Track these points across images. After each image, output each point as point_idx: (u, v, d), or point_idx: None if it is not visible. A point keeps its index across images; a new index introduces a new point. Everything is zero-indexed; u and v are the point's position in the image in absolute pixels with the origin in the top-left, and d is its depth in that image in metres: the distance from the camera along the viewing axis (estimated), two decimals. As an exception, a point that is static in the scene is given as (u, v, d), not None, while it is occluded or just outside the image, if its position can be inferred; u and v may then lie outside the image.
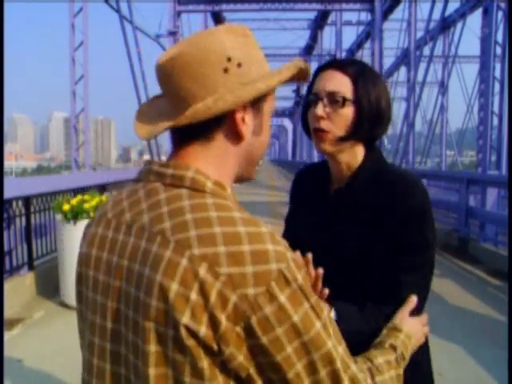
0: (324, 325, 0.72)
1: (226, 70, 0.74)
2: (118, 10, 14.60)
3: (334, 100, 1.13)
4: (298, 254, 0.99)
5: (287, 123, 70.52)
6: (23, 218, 5.22)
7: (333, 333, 0.74)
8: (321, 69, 1.19)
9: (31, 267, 5.23)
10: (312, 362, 0.71)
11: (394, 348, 0.93)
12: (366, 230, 1.11)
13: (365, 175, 1.17)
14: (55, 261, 5.32)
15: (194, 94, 0.75)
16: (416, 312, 1.05)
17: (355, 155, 1.19)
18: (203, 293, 0.67)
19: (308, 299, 0.71)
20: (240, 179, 0.86)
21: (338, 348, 0.74)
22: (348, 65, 1.15)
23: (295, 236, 1.16)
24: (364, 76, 1.13)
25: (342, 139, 1.14)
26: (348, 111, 1.13)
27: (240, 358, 0.69)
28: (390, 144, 27.90)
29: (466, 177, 8.19)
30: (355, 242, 1.11)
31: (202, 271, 0.68)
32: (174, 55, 0.75)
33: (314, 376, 0.72)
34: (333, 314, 1.02)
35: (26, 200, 5.24)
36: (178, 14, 18.68)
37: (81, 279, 0.85)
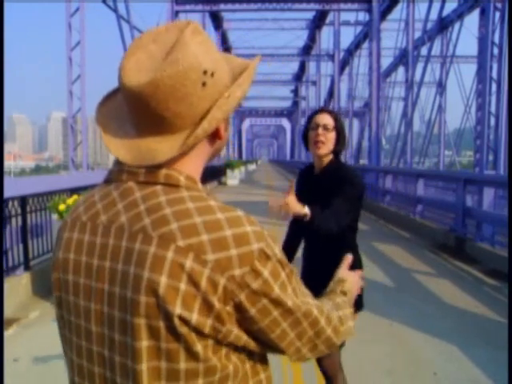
0: (293, 288, 0.81)
1: (204, 84, 0.76)
2: (115, 10, 14.60)
3: (326, 128, 2.24)
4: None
5: (285, 123, 70.52)
6: (19, 218, 5.20)
7: (301, 288, 0.84)
8: (318, 112, 2.34)
9: (27, 267, 5.22)
10: (296, 319, 0.81)
11: (344, 293, 1.06)
12: (330, 192, 2.15)
13: (331, 168, 2.28)
14: (51, 261, 5.31)
15: (179, 113, 0.76)
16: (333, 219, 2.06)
17: (329, 158, 2.30)
18: (193, 281, 0.71)
19: (283, 269, 0.79)
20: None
21: (305, 299, 0.84)
22: (331, 111, 2.34)
23: (298, 200, 2.01)
24: (339, 117, 2.30)
25: (329, 149, 2.26)
26: (332, 134, 2.25)
27: (235, 331, 0.76)
28: (388, 144, 27.92)
29: (462, 177, 8.20)
30: (324, 197, 2.13)
31: (189, 261, 0.71)
32: (153, 79, 0.74)
33: (297, 329, 0.82)
34: (307, 209, 1.97)
35: (22, 200, 5.23)
36: (176, 13, 18.69)
37: (59, 285, 0.85)
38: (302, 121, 47.49)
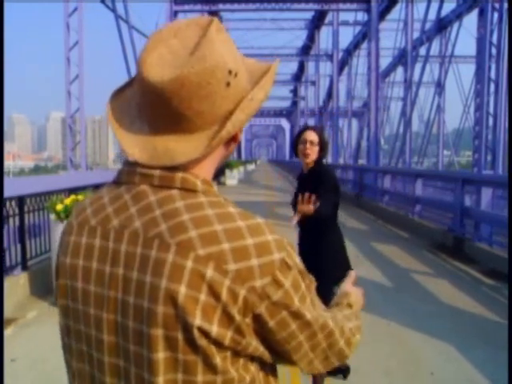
0: (311, 299, 0.79)
1: (228, 84, 0.74)
2: (113, 10, 14.59)
3: (312, 143, 2.95)
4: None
5: (284, 123, 70.49)
6: (17, 218, 5.19)
7: (316, 298, 0.82)
8: (305, 129, 3.03)
9: (25, 267, 5.21)
10: (312, 332, 0.79)
11: (349, 306, 1.03)
12: (314, 184, 2.90)
13: (314, 169, 3.01)
14: (49, 261, 5.31)
15: (202, 112, 0.74)
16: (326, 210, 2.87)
17: (313, 162, 3.01)
18: (213, 292, 0.68)
19: (304, 279, 0.77)
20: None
21: (321, 311, 0.81)
22: (316, 128, 3.05)
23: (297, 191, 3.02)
24: (322, 133, 3.00)
25: (314, 159, 3.01)
26: (317, 148, 2.97)
27: (254, 342, 0.73)
28: (386, 144, 27.93)
29: (461, 177, 8.20)
30: (311, 188, 2.81)
31: (210, 271, 0.68)
32: (179, 76, 0.71)
33: (312, 341, 0.80)
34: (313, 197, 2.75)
35: (20, 200, 5.22)
36: (175, 13, 18.68)
37: (65, 292, 0.81)
38: (302, 121, 47.48)
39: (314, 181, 2.94)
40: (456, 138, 27.04)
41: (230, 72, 0.74)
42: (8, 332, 4.25)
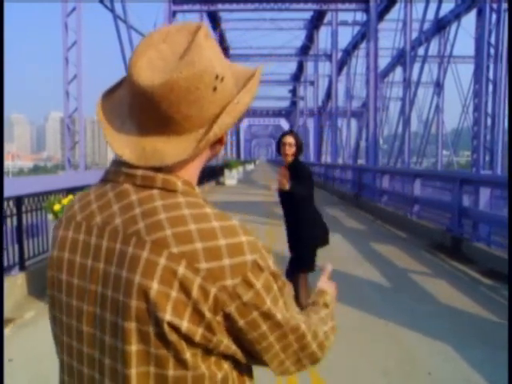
0: (284, 301, 0.80)
1: (214, 89, 0.77)
2: (112, 10, 14.58)
3: (290, 145, 4.11)
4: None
5: (284, 123, 70.46)
6: (15, 218, 5.18)
7: (290, 301, 0.83)
8: (285, 134, 4.20)
9: (22, 267, 5.21)
10: (283, 333, 0.80)
11: (326, 306, 1.05)
12: (292, 176, 4.01)
13: (292, 164, 4.12)
14: (47, 261, 5.29)
15: (190, 116, 0.76)
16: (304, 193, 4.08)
17: (292, 159, 4.13)
18: (184, 289, 0.70)
19: (276, 281, 0.78)
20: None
21: (294, 314, 0.83)
22: (293, 133, 4.28)
23: (280, 195, 4.27)
24: (298, 137, 4.20)
25: (292, 157, 4.15)
26: (294, 148, 4.11)
27: (225, 340, 0.75)
28: (385, 144, 27.95)
29: (459, 177, 8.19)
30: (291, 179, 3.97)
31: (182, 268, 0.71)
32: (169, 81, 0.73)
33: (283, 342, 0.81)
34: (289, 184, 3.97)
35: (18, 200, 5.21)
36: (174, 13, 18.66)
37: (53, 283, 0.85)
38: (301, 121, 47.50)
39: (292, 172, 4.08)
40: (455, 138, 27.05)
41: (216, 77, 0.77)
42: (6, 332, 4.25)
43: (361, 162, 24.97)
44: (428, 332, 4.23)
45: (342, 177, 19.71)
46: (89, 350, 0.79)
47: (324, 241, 4.20)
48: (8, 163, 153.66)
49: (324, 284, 1.12)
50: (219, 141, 0.84)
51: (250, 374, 0.87)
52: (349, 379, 3.42)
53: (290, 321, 0.80)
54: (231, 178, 25.51)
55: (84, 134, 14.99)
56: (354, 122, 33.80)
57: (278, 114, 65.30)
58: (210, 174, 22.35)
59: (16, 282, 5.00)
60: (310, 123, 45.06)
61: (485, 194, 7.39)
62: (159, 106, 0.75)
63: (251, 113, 62.79)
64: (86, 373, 0.80)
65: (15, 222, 5.19)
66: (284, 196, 4.15)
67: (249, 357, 0.81)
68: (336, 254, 7.21)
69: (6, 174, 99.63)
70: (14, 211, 5.15)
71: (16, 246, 5.20)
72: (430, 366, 3.62)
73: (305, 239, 4.14)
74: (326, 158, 35.10)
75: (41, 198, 5.60)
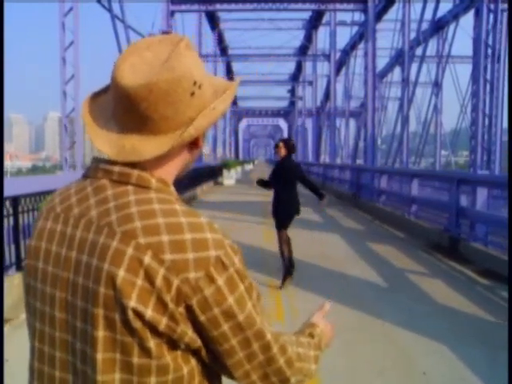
0: (253, 304, 0.81)
1: (192, 94, 0.82)
2: (109, 10, 14.57)
3: (279, 147, 5.97)
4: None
5: (282, 123, 70.51)
6: (11, 218, 5.18)
7: (261, 309, 0.83)
8: (278, 141, 6.05)
9: (19, 268, 5.20)
10: (246, 338, 0.80)
11: (312, 336, 1.03)
12: (284, 172, 5.82)
13: (284, 161, 5.86)
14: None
15: (166, 117, 0.81)
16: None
17: (284, 157, 5.87)
18: (149, 278, 0.74)
19: (243, 281, 0.80)
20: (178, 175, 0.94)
21: (264, 322, 0.83)
22: (284, 139, 6.05)
23: (270, 179, 6.00)
24: (288, 142, 5.99)
25: (283, 156, 5.90)
26: (284, 149, 5.86)
27: (189, 332, 0.77)
28: (384, 144, 27.96)
29: (456, 177, 8.20)
30: (282, 177, 5.81)
31: (147, 258, 0.74)
32: (149, 82, 0.78)
33: (247, 350, 0.81)
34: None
35: (14, 200, 5.21)
36: (172, 13, 18.66)
37: (30, 271, 0.88)
38: (299, 121, 47.50)
39: (284, 169, 5.76)
40: (453, 137, 27.04)
41: (194, 83, 0.82)
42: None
43: (359, 162, 24.98)
44: (424, 332, 4.23)
45: (341, 177, 19.71)
46: (61, 334, 0.82)
47: (296, 211, 5.81)
48: (6, 163, 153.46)
49: (317, 319, 1.10)
50: (196, 145, 0.88)
51: (219, 377, 0.88)
52: (345, 379, 3.42)
53: (254, 325, 0.80)
54: (229, 178, 25.52)
55: (82, 134, 14.94)
56: (352, 122, 33.79)
57: (276, 114, 65.29)
58: (209, 174, 22.35)
59: (13, 282, 4.99)
60: (309, 123, 45.07)
61: (482, 194, 7.40)
62: (139, 106, 0.80)
63: (250, 113, 62.81)
64: (58, 356, 0.83)
65: (12, 222, 5.19)
66: (274, 178, 5.89)
67: (213, 358, 0.81)
68: (334, 254, 7.21)
69: (5, 174, 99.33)
70: (11, 211, 5.15)
71: (13, 246, 5.20)
72: (425, 365, 3.63)
73: (281, 211, 5.84)
74: (325, 158, 35.10)
75: (37, 198, 5.59)
